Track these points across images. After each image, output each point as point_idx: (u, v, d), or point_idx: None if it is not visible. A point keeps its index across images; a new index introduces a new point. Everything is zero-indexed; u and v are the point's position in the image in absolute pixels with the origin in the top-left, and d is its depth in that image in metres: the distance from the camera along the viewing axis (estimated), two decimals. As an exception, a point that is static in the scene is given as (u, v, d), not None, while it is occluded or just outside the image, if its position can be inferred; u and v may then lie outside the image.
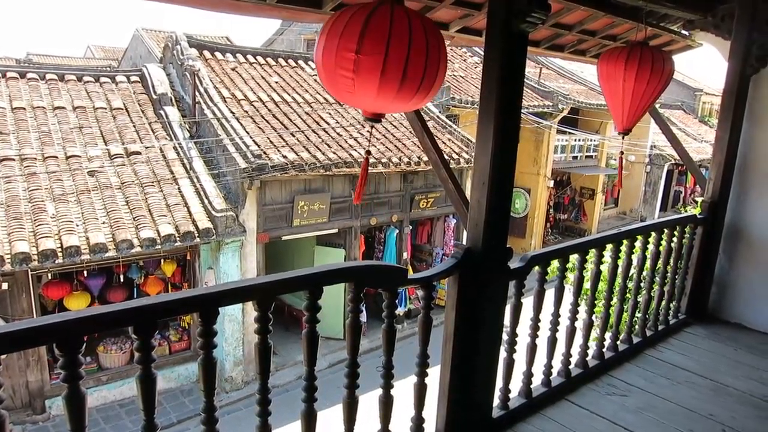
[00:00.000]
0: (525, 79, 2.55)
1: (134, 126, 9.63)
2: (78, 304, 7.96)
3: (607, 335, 3.56)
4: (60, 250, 7.06)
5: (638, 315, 3.79)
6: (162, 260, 8.68)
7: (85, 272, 8.08)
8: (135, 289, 8.83)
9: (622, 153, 4.02)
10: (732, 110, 3.96)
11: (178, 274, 9.09)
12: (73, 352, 1.52)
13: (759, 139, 4.07)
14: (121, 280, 8.51)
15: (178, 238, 7.86)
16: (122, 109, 9.94)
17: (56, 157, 8.36)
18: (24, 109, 9.07)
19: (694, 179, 4.66)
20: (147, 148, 9.21)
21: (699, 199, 4.60)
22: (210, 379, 1.82)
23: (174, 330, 9.43)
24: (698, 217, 4.10)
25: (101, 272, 8.31)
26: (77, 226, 7.45)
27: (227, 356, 9.18)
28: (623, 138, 3.67)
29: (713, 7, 3.99)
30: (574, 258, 3.19)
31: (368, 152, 2.49)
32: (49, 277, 7.85)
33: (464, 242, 2.49)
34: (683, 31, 4.44)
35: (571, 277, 3.28)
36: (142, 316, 1.64)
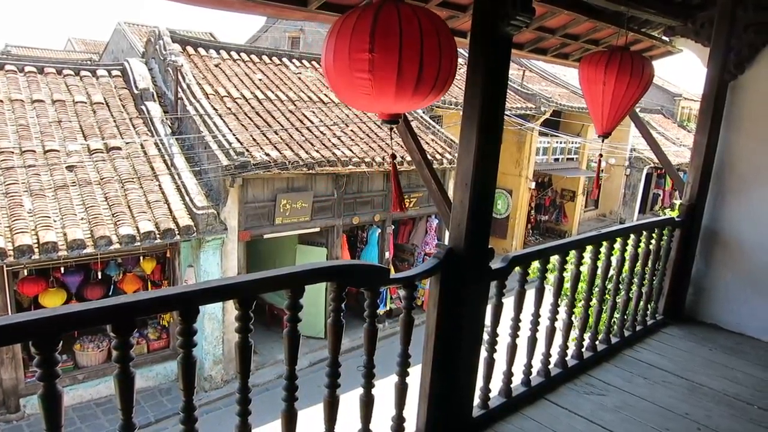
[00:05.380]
0: (508, 82, 2.56)
1: (115, 121, 9.49)
2: (54, 301, 7.82)
3: (586, 335, 3.61)
4: (36, 245, 6.93)
5: (617, 315, 3.84)
6: (141, 257, 8.58)
7: (62, 269, 7.95)
8: (113, 286, 8.71)
9: (600, 156, 4.09)
10: (710, 115, 4.04)
11: (157, 271, 8.98)
12: (50, 350, 1.50)
13: (736, 144, 4.15)
14: (99, 277, 8.39)
15: (158, 236, 7.77)
16: (103, 103, 9.79)
17: (34, 151, 8.21)
18: (1, 101, 8.88)
19: (673, 182, 4.73)
20: (127, 143, 9.08)
21: (677, 202, 4.68)
22: (189, 377, 1.80)
23: (153, 328, 9.32)
24: (676, 219, 4.17)
25: (78, 269, 8.19)
26: (55, 221, 7.32)
27: (207, 355, 9.10)
28: (603, 141, 3.72)
29: (693, 14, 4.07)
30: (554, 259, 3.23)
31: (393, 156, 2.43)
32: (25, 273, 7.72)
33: (446, 242, 2.50)
34: (664, 37, 4.52)
35: (551, 277, 3.32)
36: (121, 314, 1.62)
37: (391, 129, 2.41)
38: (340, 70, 1.99)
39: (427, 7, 3.29)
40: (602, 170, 20.89)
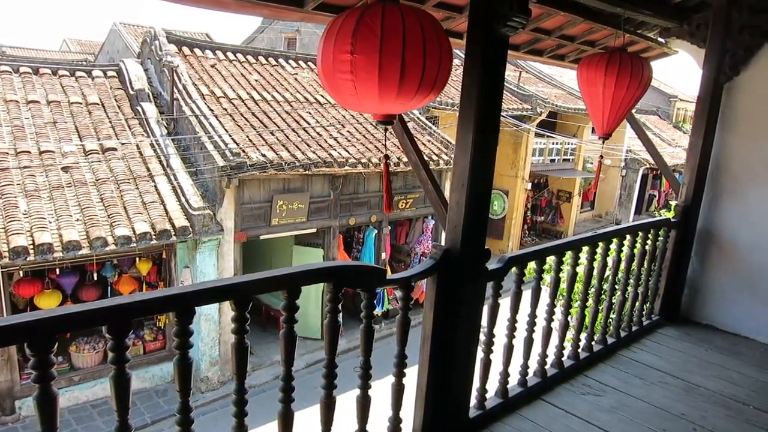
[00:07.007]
0: (505, 83, 2.56)
1: (110, 122, 9.46)
2: (50, 303, 7.79)
3: (583, 336, 3.61)
4: (32, 247, 6.90)
5: (613, 316, 3.85)
6: (137, 259, 8.55)
7: (58, 270, 7.91)
8: (108, 287, 8.68)
9: (601, 157, 4.10)
10: (705, 117, 4.06)
11: (153, 272, 8.96)
12: (45, 352, 1.49)
13: (731, 146, 4.16)
14: (95, 278, 8.35)
15: (153, 237, 7.75)
16: (98, 104, 9.76)
17: (29, 152, 8.17)
18: (-4, 102, 8.85)
19: (669, 183, 4.75)
20: (123, 144, 9.06)
21: (673, 203, 4.70)
22: (185, 379, 1.80)
23: (149, 329, 9.29)
24: (672, 220, 4.18)
25: (74, 270, 8.15)
26: (50, 222, 7.30)
27: (203, 356, 9.08)
28: (603, 142, 3.73)
29: (689, 15, 4.08)
30: (550, 260, 3.23)
31: (386, 156, 2.43)
32: (20, 275, 7.68)
33: (443, 243, 2.50)
34: (660, 39, 4.53)
35: (547, 278, 3.32)
36: (117, 315, 1.61)
37: (386, 130, 2.41)
38: (327, 71, 2.01)
39: (422, 8, 3.30)
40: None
